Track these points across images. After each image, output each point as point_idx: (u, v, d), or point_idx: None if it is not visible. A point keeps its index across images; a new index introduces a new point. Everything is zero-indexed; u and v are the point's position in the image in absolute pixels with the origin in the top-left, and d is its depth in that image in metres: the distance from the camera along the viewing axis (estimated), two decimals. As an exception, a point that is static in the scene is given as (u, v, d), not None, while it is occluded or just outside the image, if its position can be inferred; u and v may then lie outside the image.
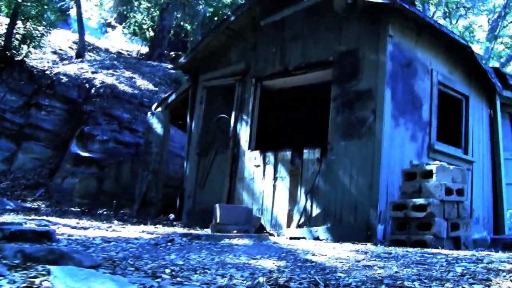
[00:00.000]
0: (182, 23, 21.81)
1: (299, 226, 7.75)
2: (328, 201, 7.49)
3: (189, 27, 21.86)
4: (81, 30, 18.18)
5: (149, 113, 11.89)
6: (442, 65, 8.48)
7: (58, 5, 20.37)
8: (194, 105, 10.44)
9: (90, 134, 13.16)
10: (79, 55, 17.58)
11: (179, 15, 21.16)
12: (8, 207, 10.22)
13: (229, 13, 12.32)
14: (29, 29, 15.34)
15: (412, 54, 7.88)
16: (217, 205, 7.29)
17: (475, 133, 9.03)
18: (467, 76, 9.01)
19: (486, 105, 9.55)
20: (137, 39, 23.65)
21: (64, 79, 14.64)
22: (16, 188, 12.46)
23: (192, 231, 7.18)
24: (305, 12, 8.61)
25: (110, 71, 16.30)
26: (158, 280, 2.70)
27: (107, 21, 24.93)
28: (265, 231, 8.17)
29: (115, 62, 17.82)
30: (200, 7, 20.78)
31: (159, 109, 11.64)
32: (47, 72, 14.82)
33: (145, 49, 22.03)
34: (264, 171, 8.61)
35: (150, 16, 21.97)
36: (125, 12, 22.02)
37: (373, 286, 2.77)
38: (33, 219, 7.01)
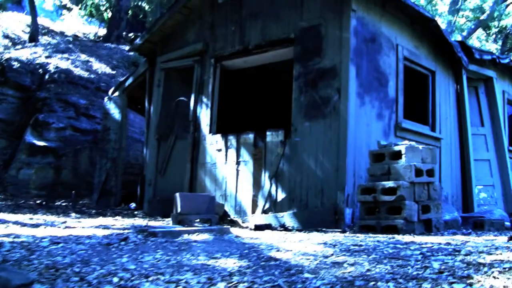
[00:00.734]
0: (140, 3, 21.06)
1: (264, 212, 7.43)
2: (293, 185, 7.19)
3: (147, 7, 21.13)
4: (33, 12, 17.28)
5: (106, 98, 11.32)
6: (408, 40, 8.23)
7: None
8: (152, 89, 9.95)
9: (45, 122, 12.48)
10: (33, 39, 16.74)
11: (137, -5, 20.47)
12: (-44, 203, 9.59)
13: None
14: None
15: (377, 29, 7.58)
16: (177, 194, 6.90)
17: (442, 109, 8.83)
18: (432, 50, 8.79)
19: (453, 80, 9.36)
20: (94, 21, 22.79)
21: (16, 64, 13.84)
22: (-34, 182, 11.78)
23: (150, 224, 6.77)
24: (265, -13, 8.19)
25: (65, 55, 15.52)
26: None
27: (63, 3, 24.00)
28: (229, 218, 7.85)
29: (71, 46, 17.02)
30: (158, -15, 20.13)
31: (116, 93, 11.09)
32: (-3, 58, 14.03)
33: (103, 31, 21.19)
34: (226, 155, 8.24)
35: (107, -4, 21.17)
36: (81, -7, 21.18)
37: (343, 289, 2.47)
38: (-22, 218, 6.50)
